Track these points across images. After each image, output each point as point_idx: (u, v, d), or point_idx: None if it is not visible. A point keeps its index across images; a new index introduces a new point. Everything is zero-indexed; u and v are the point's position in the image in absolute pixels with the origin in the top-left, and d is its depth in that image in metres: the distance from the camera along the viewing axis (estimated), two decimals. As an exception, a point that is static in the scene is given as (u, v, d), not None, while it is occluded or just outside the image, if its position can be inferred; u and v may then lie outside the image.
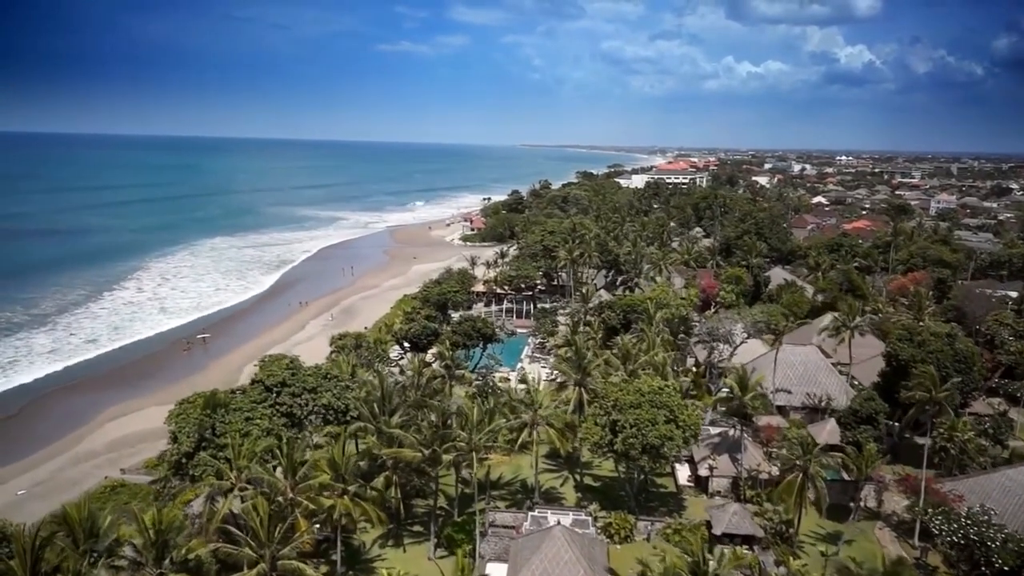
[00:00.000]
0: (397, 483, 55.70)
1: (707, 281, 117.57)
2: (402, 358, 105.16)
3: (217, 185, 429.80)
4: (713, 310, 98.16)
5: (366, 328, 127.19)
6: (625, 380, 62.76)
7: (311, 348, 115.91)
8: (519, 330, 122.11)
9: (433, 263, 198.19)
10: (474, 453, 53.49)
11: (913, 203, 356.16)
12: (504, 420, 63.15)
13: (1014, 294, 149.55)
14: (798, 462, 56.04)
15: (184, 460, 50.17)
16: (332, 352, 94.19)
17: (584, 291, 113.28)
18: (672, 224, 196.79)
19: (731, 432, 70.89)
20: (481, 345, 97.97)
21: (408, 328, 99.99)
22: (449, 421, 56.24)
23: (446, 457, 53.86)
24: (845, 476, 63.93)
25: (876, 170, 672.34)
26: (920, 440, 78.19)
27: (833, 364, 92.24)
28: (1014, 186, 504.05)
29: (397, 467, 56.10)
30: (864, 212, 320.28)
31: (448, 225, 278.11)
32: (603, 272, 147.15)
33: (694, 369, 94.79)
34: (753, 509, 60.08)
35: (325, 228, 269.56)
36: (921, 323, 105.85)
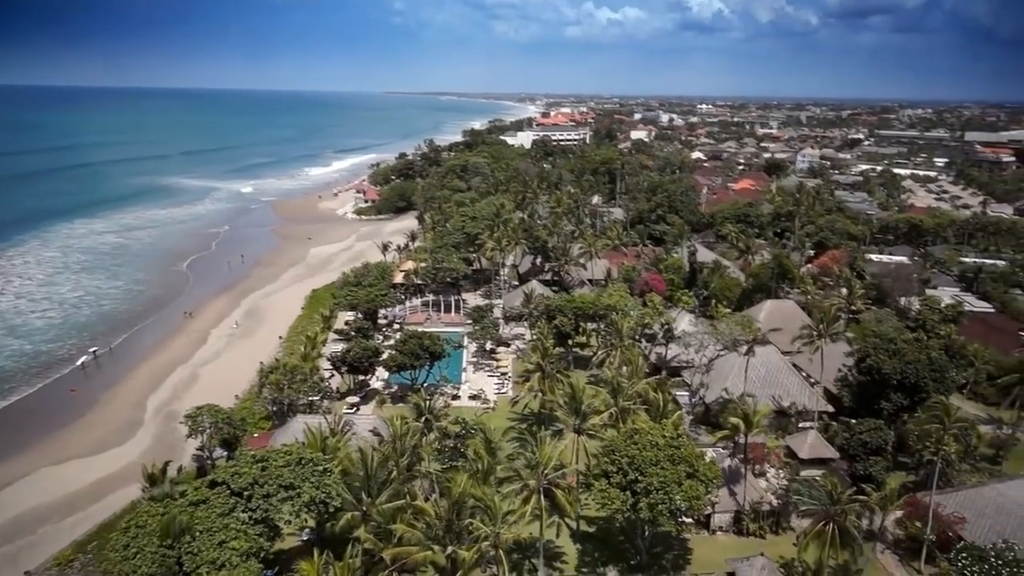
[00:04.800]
0: (399, 582, 47.76)
1: (651, 276, 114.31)
2: (332, 376, 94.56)
3: (65, 149, 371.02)
4: (675, 314, 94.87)
5: (281, 337, 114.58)
6: (634, 431, 57.09)
7: (223, 369, 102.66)
8: (452, 329, 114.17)
9: (332, 244, 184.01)
10: (501, 550, 46.31)
11: (779, 156, 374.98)
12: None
13: (903, 259, 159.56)
14: (825, 509, 53.24)
15: (145, 610, 39.43)
16: (262, 385, 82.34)
17: (527, 291, 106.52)
18: (571, 189, 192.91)
19: (727, 462, 67.83)
20: (428, 364, 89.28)
21: (346, 352, 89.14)
22: (460, 509, 48.30)
23: (464, 555, 46.20)
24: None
25: (736, 119, 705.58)
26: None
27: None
28: (860, 136, 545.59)
29: (398, 565, 48.03)
30: (741, 168, 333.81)
31: (336, 195, 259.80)
32: (527, 256, 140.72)
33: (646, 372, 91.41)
34: (778, 560, 57.23)
35: (201, 202, 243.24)
36: (854, 307, 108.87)
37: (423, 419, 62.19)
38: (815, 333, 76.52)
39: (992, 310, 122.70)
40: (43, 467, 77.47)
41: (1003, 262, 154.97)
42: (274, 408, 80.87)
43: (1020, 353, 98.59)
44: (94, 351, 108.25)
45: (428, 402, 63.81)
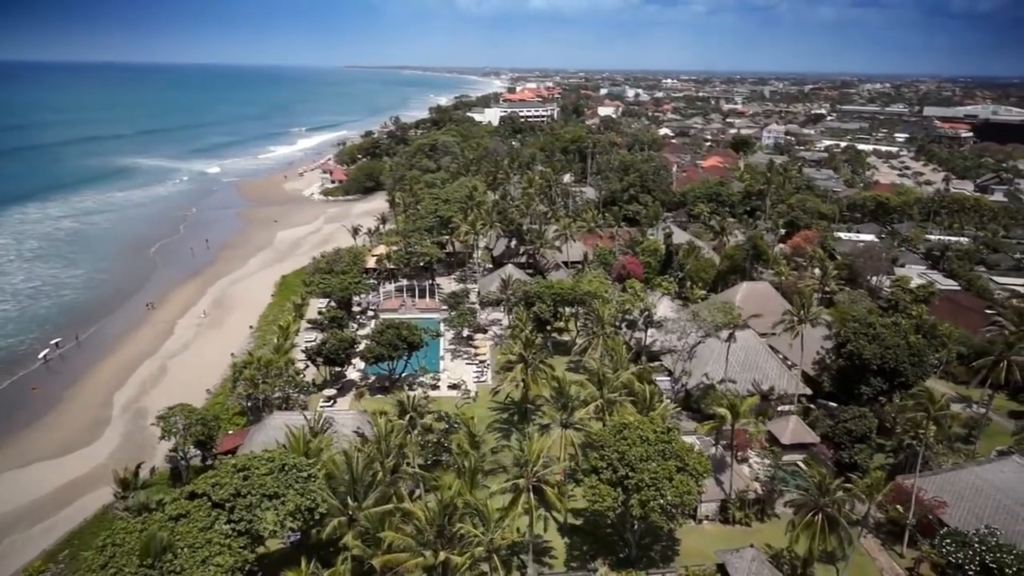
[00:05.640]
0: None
1: (628, 260, 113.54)
2: (307, 367, 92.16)
3: (15, 129, 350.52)
4: (655, 299, 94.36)
5: (251, 327, 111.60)
6: (623, 425, 56.42)
7: (192, 361, 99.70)
8: (428, 315, 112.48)
9: (300, 227, 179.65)
10: (495, 555, 45.39)
11: (745, 132, 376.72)
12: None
13: (871, 237, 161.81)
14: (815, 501, 53.35)
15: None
16: (236, 381, 79.84)
17: (505, 277, 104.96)
18: (542, 168, 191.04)
19: (712, 451, 67.87)
20: (406, 355, 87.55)
21: (322, 344, 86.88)
22: (452, 514, 47.11)
23: (458, 560, 45.20)
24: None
25: (701, 95, 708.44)
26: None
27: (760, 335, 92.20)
28: (822, 111, 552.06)
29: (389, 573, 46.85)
30: (708, 144, 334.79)
31: (302, 175, 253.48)
32: (501, 239, 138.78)
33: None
34: (765, 550, 57.51)
35: (161, 183, 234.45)
36: (827, 288, 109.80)
37: (407, 417, 60.60)
38: (796, 318, 76.57)
39: (958, 288, 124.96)
40: (5, 471, 74.20)
41: (966, 239, 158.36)
42: (248, 404, 78.55)
43: (988, 332, 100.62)
44: (56, 342, 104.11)
45: (412, 399, 62.09)
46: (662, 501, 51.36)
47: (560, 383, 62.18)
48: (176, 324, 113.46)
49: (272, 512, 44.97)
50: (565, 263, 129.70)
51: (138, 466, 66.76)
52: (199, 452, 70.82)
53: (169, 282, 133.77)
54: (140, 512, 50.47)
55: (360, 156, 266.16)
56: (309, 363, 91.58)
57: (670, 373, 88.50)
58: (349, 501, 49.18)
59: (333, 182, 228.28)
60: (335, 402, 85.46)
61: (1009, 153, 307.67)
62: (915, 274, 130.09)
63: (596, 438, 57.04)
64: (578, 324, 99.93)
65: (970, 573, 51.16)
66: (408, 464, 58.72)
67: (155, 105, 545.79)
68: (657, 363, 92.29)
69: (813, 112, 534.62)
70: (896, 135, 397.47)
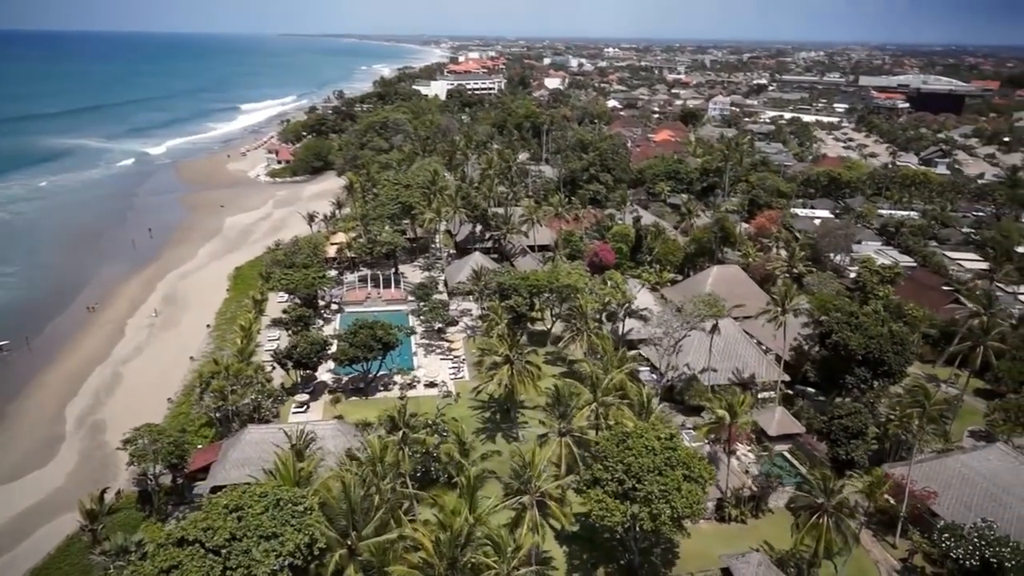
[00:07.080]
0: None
1: (600, 246, 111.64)
2: (274, 369, 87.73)
3: None
4: (635, 288, 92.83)
5: (209, 326, 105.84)
6: (625, 434, 54.82)
7: (148, 366, 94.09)
8: (395, 307, 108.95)
9: (248, 212, 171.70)
10: (512, 588, 43.41)
11: (692, 103, 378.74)
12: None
13: (826, 213, 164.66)
14: (821, 502, 53.19)
15: None
16: (202, 391, 75.19)
17: (476, 268, 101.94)
18: (497, 147, 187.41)
19: (706, 448, 67.28)
20: (381, 356, 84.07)
21: (292, 348, 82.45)
22: (461, 540, 44.79)
23: (471, 593, 43.13)
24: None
25: (644, 64, 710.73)
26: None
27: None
28: (763, 81, 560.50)
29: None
30: (657, 117, 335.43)
31: (245, 155, 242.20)
32: (465, 224, 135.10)
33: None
34: (766, 551, 57.27)
35: (95, 166, 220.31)
36: (795, 269, 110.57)
37: (400, 433, 57.68)
38: (780, 309, 76.27)
39: (914, 264, 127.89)
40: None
41: (916, 214, 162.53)
42: (217, 415, 74.08)
43: (952, 311, 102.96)
44: (2, 345, 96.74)
45: (403, 414, 59.09)
46: (671, 512, 50.14)
47: (558, 390, 60.10)
48: (126, 325, 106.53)
49: (272, 555, 41.73)
50: (531, 247, 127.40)
51: (103, 491, 62.41)
52: (168, 471, 66.40)
53: (114, 278, 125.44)
54: (118, 555, 46.52)
55: (305, 133, 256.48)
56: (276, 366, 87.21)
57: (652, 366, 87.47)
58: (349, 531, 46.30)
59: (279, 162, 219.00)
60: (308, 407, 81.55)
61: (943, 123, 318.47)
62: (872, 251, 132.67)
63: (597, 448, 55.37)
64: (552, 313, 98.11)
65: (968, 567, 51.89)
66: (404, 485, 55.96)
67: (80, 79, 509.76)
68: (635, 352, 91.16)
69: (755, 82, 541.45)
70: (835, 105, 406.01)
